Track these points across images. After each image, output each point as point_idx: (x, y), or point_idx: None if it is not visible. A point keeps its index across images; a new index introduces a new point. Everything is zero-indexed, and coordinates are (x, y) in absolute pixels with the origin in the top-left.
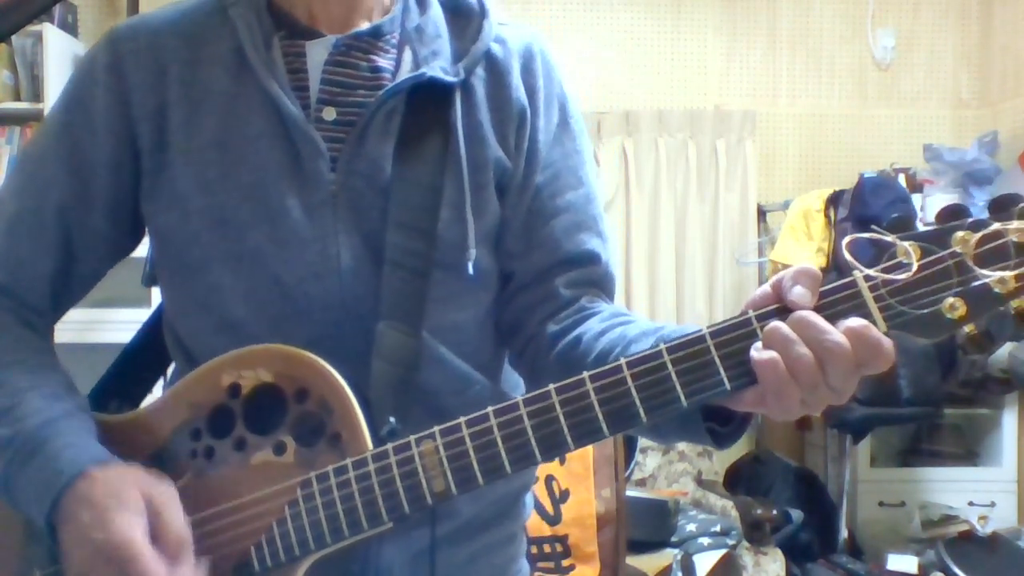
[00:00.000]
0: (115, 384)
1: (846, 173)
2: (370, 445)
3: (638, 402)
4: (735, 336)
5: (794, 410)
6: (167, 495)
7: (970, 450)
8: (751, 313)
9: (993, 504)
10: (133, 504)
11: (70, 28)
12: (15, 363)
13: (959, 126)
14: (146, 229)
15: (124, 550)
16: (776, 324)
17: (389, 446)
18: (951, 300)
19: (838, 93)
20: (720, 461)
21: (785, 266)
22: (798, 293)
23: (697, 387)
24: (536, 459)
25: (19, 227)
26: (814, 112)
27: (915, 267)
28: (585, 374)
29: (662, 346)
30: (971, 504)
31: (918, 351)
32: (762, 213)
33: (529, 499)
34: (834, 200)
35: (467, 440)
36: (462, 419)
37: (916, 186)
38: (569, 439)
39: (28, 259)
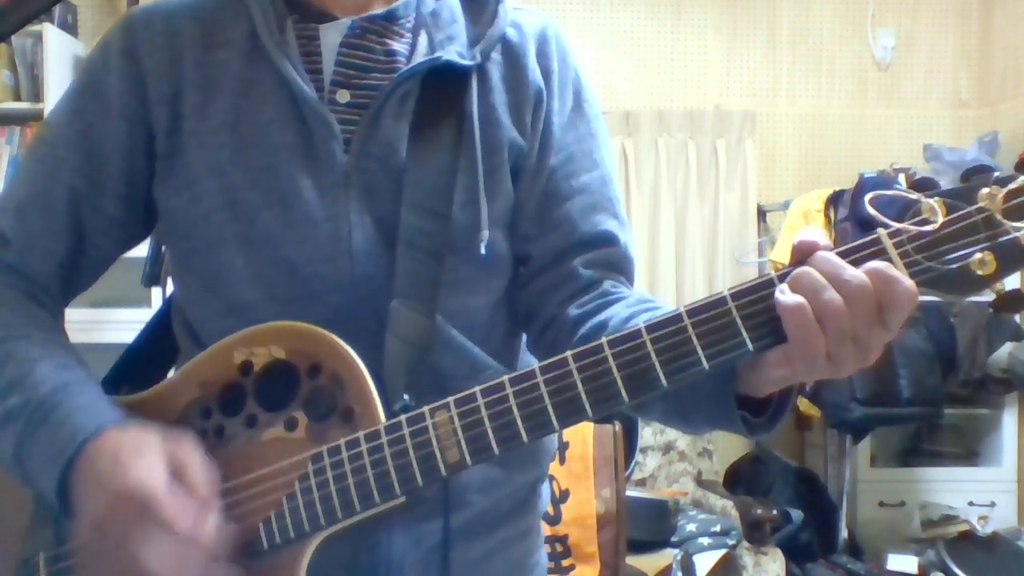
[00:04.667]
0: (121, 377)
1: (846, 173)
2: (383, 419)
3: (658, 366)
4: (757, 297)
5: (820, 364)
6: (188, 448)
7: (970, 450)
8: (773, 274)
9: (993, 504)
10: (153, 452)
11: (70, 28)
12: (24, 337)
13: (959, 126)
14: (157, 215)
15: (144, 492)
16: (804, 268)
17: (403, 418)
18: (980, 255)
19: (838, 93)
20: (720, 461)
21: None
22: (806, 231)
23: (719, 349)
24: (553, 426)
25: (30, 209)
26: (814, 112)
27: (940, 222)
28: (603, 339)
29: (682, 309)
30: (971, 504)
31: (918, 351)
32: (762, 213)
33: (545, 489)
34: (834, 200)
35: (482, 409)
36: (477, 388)
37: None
38: (587, 405)
39: (38, 241)
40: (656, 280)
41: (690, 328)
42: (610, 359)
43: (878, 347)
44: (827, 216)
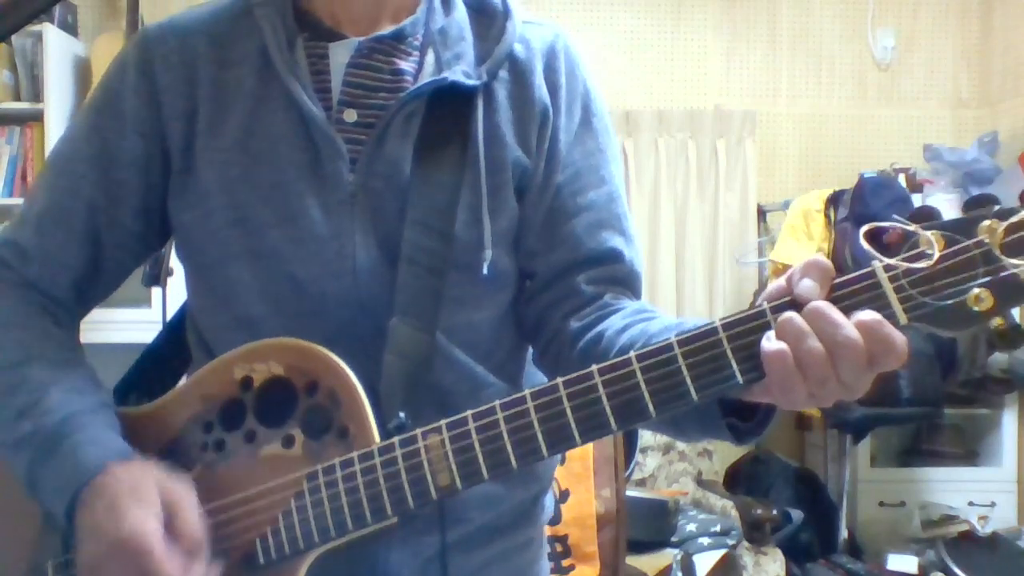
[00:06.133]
0: (138, 380)
1: (846, 173)
2: (377, 439)
3: (647, 396)
4: (748, 328)
5: (800, 403)
6: (184, 493)
7: (970, 450)
8: (765, 305)
9: (993, 504)
10: (149, 499)
11: (70, 28)
12: (39, 357)
13: (959, 126)
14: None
15: (138, 543)
16: (790, 315)
17: (395, 439)
18: (977, 291)
19: (838, 93)
20: (720, 461)
21: (785, 266)
22: (805, 286)
23: (708, 381)
24: (542, 453)
25: (48, 223)
26: (814, 112)
27: (937, 256)
28: (594, 367)
29: (673, 338)
30: (971, 504)
31: (918, 351)
32: (762, 213)
33: (548, 501)
34: (834, 200)
35: (473, 434)
36: (468, 412)
37: (916, 186)
38: (576, 433)
39: (56, 255)
40: (656, 280)
41: (680, 359)
42: (600, 388)
43: (864, 386)
44: (827, 216)
